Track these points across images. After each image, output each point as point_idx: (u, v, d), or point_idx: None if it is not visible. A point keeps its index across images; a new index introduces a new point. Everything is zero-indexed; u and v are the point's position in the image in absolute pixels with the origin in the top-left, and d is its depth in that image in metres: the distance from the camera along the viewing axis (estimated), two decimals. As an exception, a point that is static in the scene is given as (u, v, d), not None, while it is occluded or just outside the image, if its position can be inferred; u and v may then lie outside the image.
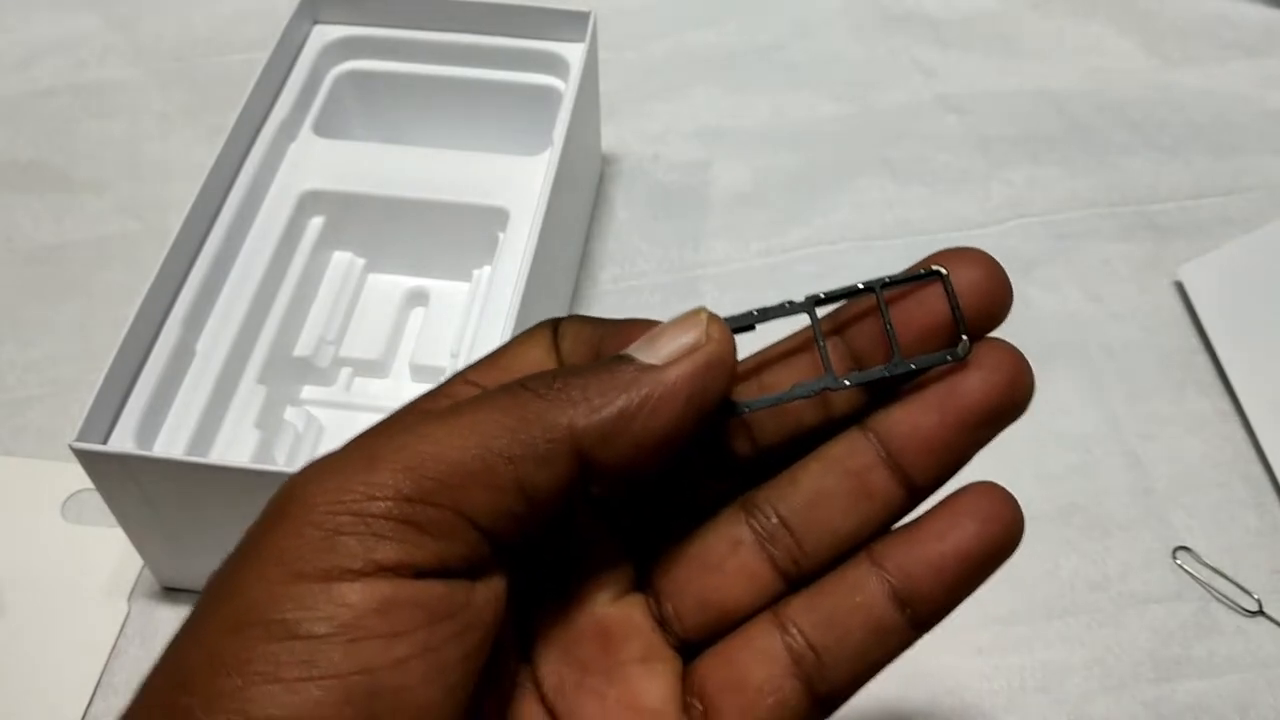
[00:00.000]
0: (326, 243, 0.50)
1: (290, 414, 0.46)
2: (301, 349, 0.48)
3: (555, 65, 0.53)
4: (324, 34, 0.54)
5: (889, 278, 0.24)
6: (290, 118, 0.51)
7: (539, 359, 0.24)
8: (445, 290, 0.52)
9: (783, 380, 0.25)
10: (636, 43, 0.67)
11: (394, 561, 0.20)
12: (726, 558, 0.25)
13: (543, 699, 0.25)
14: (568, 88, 0.50)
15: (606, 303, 0.54)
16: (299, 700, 0.19)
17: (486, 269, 0.49)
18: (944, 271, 0.24)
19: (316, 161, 0.50)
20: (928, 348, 0.24)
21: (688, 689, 0.25)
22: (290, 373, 0.47)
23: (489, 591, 0.21)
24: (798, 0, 0.69)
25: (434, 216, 0.49)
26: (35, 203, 0.59)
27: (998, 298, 0.25)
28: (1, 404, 0.51)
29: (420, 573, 0.20)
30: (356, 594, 0.19)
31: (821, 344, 0.24)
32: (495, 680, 0.24)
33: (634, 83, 0.64)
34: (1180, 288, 0.54)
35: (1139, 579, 0.45)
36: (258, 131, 0.50)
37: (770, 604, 0.25)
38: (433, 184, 0.49)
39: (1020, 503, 0.46)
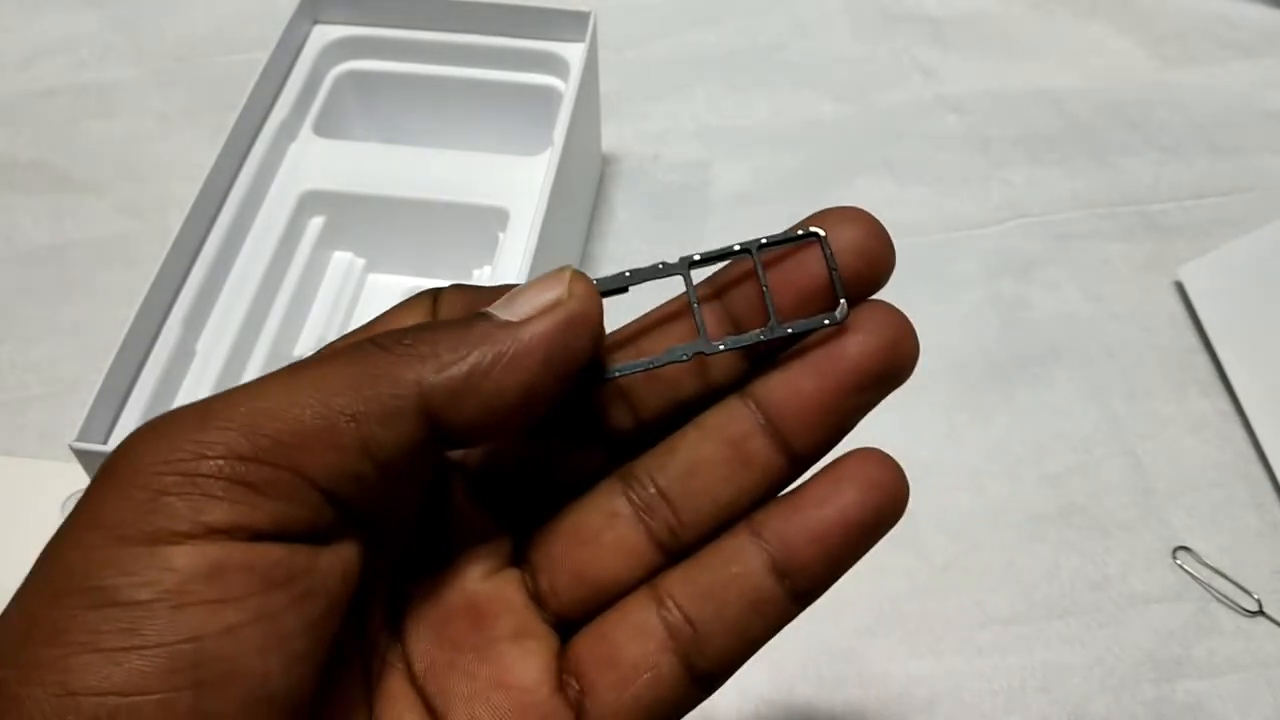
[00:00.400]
0: (326, 243, 0.50)
1: (290, 414, 0.46)
2: (301, 349, 0.48)
3: (555, 65, 0.53)
4: (324, 34, 0.54)
5: (765, 239, 0.23)
6: (290, 118, 0.51)
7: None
8: (445, 290, 0.52)
9: (659, 347, 0.24)
10: (636, 43, 0.67)
11: (225, 523, 0.19)
12: (602, 530, 0.24)
13: (413, 679, 0.23)
14: (568, 88, 0.50)
15: (606, 303, 0.54)
16: (121, 671, 0.18)
17: (486, 269, 0.49)
18: (821, 233, 0.23)
19: (316, 161, 0.50)
20: (807, 312, 0.23)
21: (564, 667, 0.24)
22: (290, 373, 0.47)
23: (336, 559, 0.20)
24: (798, 0, 0.69)
25: (434, 216, 0.49)
26: (35, 203, 0.59)
27: (878, 258, 0.23)
28: (1, 404, 0.51)
29: (256, 535, 0.19)
30: (182, 557, 0.18)
31: (696, 307, 0.23)
32: (360, 657, 0.23)
33: (634, 83, 0.64)
34: (1180, 288, 0.54)
35: (1139, 579, 0.45)
36: (258, 131, 0.50)
37: (648, 577, 0.24)
38: (433, 184, 0.49)
39: (1020, 503, 0.46)
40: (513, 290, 0.22)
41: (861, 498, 0.22)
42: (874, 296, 0.23)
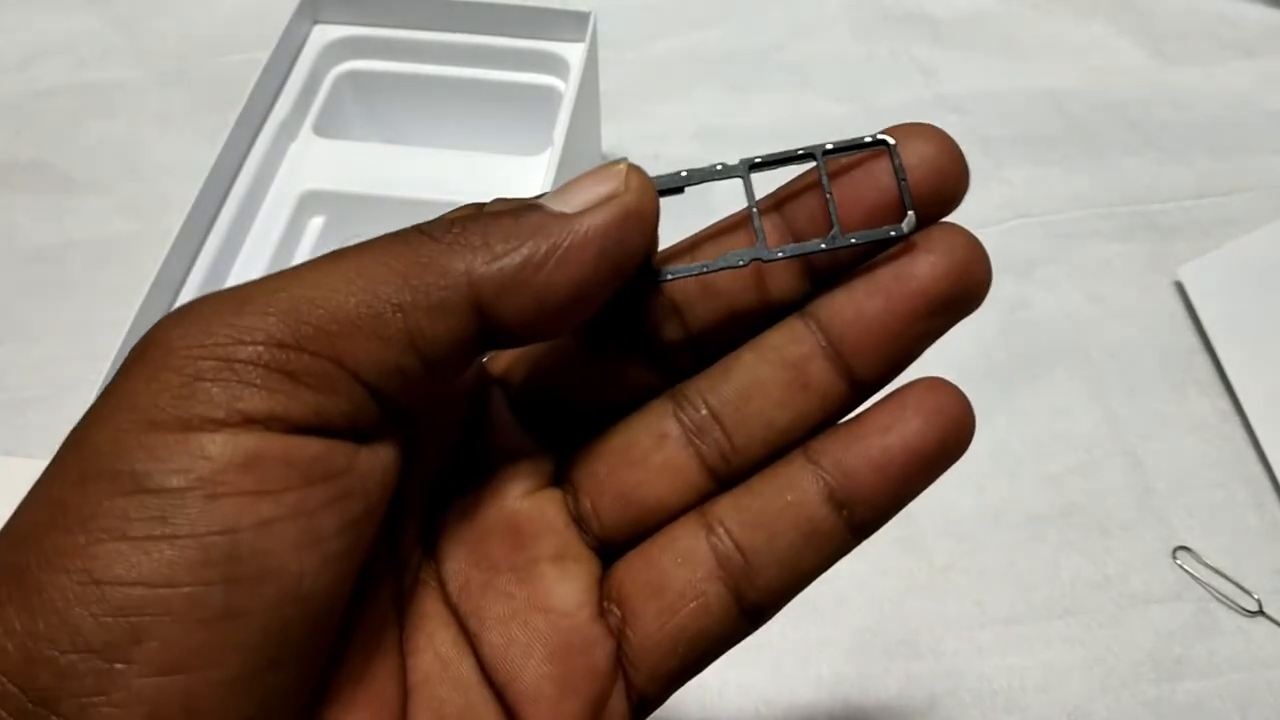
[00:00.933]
0: (326, 243, 0.50)
1: (290, 414, 0.46)
2: (301, 349, 0.48)
3: (555, 65, 0.53)
4: (324, 34, 0.54)
5: (832, 144, 0.22)
6: (290, 118, 0.51)
7: None
8: (445, 290, 0.52)
9: (716, 255, 0.23)
10: (636, 43, 0.67)
11: (263, 413, 0.18)
12: (651, 452, 0.23)
13: (446, 599, 0.22)
14: (568, 88, 0.50)
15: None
16: (150, 560, 0.17)
17: (486, 269, 0.49)
18: (891, 141, 0.21)
19: (316, 161, 0.50)
20: (876, 225, 0.22)
21: (605, 593, 0.23)
22: (290, 373, 0.47)
23: (376, 459, 0.19)
24: (798, 0, 0.69)
25: (434, 216, 0.49)
26: (35, 203, 0.59)
27: (952, 177, 0.22)
28: (2, 404, 0.51)
29: (294, 428, 0.18)
30: (218, 446, 0.17)
31: (755, 212, 0.22)
32: (392, 572, 0.22)
33: (634, 83, 0.64)
34: (1180, 288, 0.54)
35: (1139, 579, 0.45)
36: (258, 131, 0.50)
37: (698, 503, 0.23)
38: (433, 184, 0.49)
39: (1020, 503, 0.46)
40: (566, 183, 0.21)
41: (926, 426, 0.21)
42: (944, 219, 0.22)
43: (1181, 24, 0.68)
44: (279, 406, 0.18)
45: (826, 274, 0.23)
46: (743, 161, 0.23)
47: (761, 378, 0.23)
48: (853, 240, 0.21)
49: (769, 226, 0.23)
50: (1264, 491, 0.48)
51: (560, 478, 0.24)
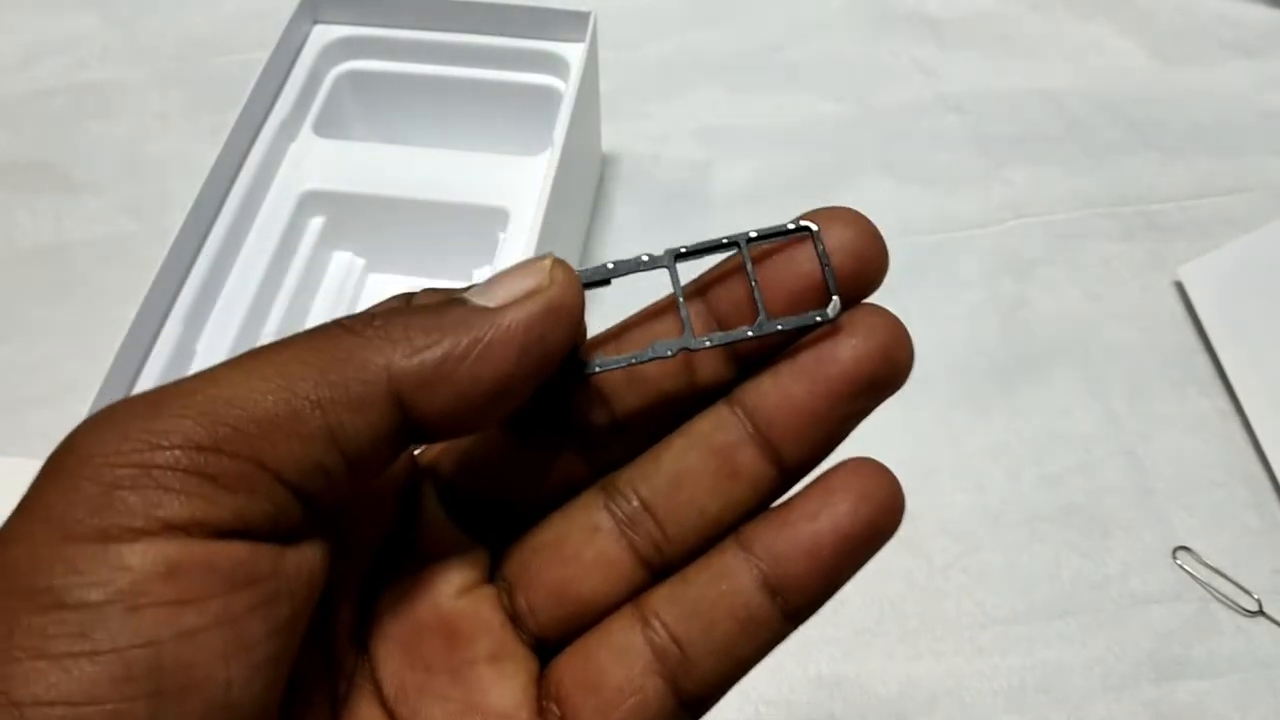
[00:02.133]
0: (326, 243, 0.50)
1: (290, 414, 0.46)
2: (301, 349, 0.48)
3: (555, 65, 0.53)
4: (324, 34, 0.54)
5: (755, 232, 0.22)
6: (290, 118, 0.51)
7: None
8: (445, 290, 0.52)
9: (642, 345, 0.23)
10: (636, 43, 0.67)
11: (182, 519, 0.17)
12: (583, 546, 0.23)
13: (382, 701, 0.22)
14: (568, 88, 0.50)
15: (606, 303, 0.54)
16: (70, 679, 0.16)
17: (486, 269, 0.49)
18: (814, 227, 0.22)
19: (316, 161, 0.50)
20: (797, 311, 0.22)
21: (543, 691, 0.22)
22: (290, 373, 0.47)
23: (302, 559, 0.19)
24: (798, 0, 0.69)
25: (434, 216, 0.49)
26: (35, 203, 0.59)
27: (872, 261, 0.22)
28: (1, 404, 0.51)
29: (216, 533, 0.18)
30: (137, 555, 0.17)
31: (681, 301, 0.22)
32: (326, 677, 0.22)
33: (634, 83, 0.64)
34: (1180, 288, 0.54)
35: (1139, 579, 0.45)
36: (258, 131, 0.50)
37: (633, 595, 0.23)
38: (433, 184, 0.49)
39: (1020, 503, 0.46)
40: (490, 277, 0.21)
41: (855, 510, 0.21)
42: (866, 300, 0.22)
43: (1181, 24, 0.68)
44: (199, 511, 0.17)
45: (752, 358, 0.23)
46: (668, 252, 0.22)
47: (691, 466, 0.23)
48: (779, 327, 0.22)
49: (694, 312, 0.23)
50: (1264, 491, 0.48)
51: (494, 573, 0.24)
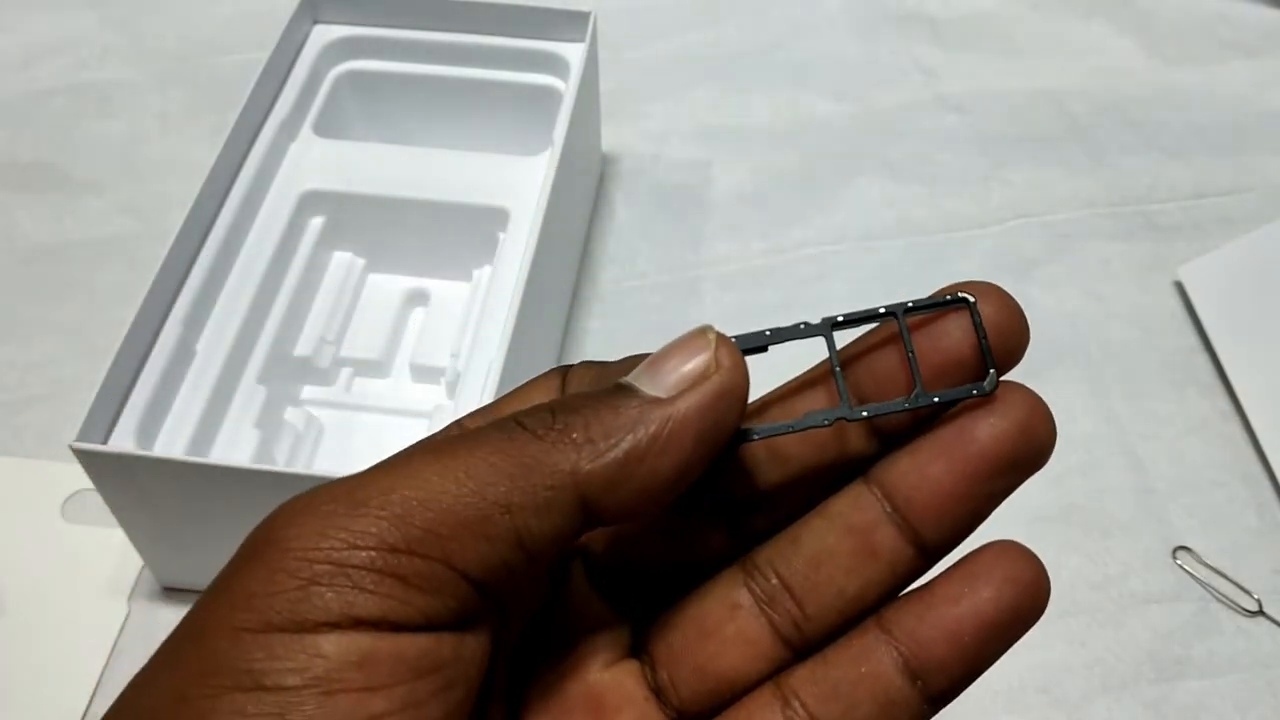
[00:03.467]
0: (326, 243, 0.50)
1: (290, 414, 0.46)
2: (301, 349, 0.48)
3: (555, 65, 0.53)
4: (324, 34, 0.54)
5: (912, 302, 0.22)
6: (290, 118, 0.51)
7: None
8: (445, 290, 0.52)
9: (796, 412, 0.23)
10: (636, 43, 0.67)
11: (375, 616, 0.19)
12: (724, 623, 0.23)
13: None
14: (568, 88, 0.50)
15: (606, 303, 0.54)
16: None
17: (486, 269, 0.49)
18: (971, 299, 0.21)
19: (316, 161, 0.50)
20: (947, 383, 0.22)
21: None
22: (290, 373, 0.47)
23: (476, 644, 0.20)
24: (798, 0, 0.69)
25: (434, 216, 0.49)
26: (35, 203, 0.59)
27: (1015, 336, 0.22)
28: (1, 404, 0.51)
29: (403, 628, 0.19)
30: (332, 645, 0.18)
31: (838, 370, 0.22)
32: None
33: (634, 83, 0.64)
34: (1180, 288, 0.54)
35: (1139, 579, 0.45)
36: (258, 131, 0.50)
37: (773, 673, 0.23)
38: (433, 184, 0.49)
39: (1020, 503, 0.46)
40: (652, 357, 0.21)
41: (998, 595, 0.21)
42: (1006, 377, 0.22)
43: (1181, 24, 0.68)
44: (390, 610, 0.19)
45: (893, 434, 0.23)
46: (825, 321, 0.22)
47: (830, 546, 0.23)
48: (935, 399, 0.21)
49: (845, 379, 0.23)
50: (1264, 491, 0.48)
51: (637, 648, 0.24)
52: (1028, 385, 0.22)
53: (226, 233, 0.46)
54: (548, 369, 0.23)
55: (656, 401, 0.20)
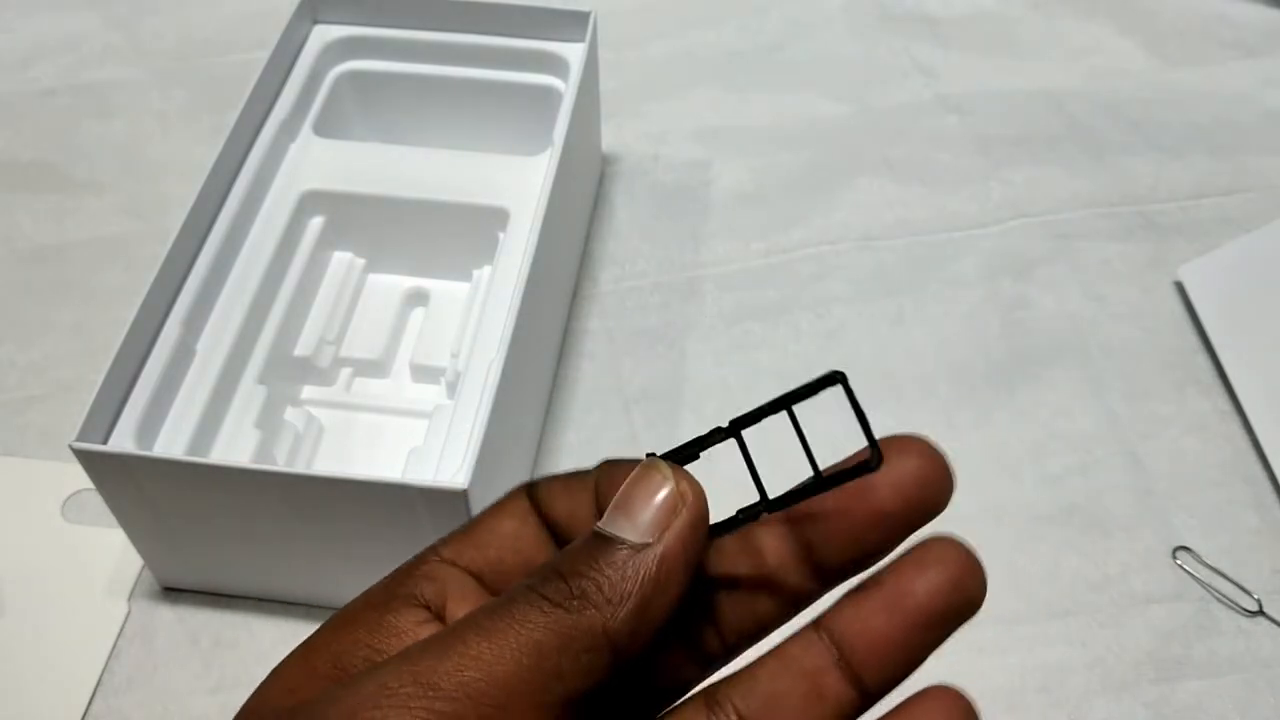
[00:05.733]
0: (326, 243, 0.50)
1: (290, 414, 0.46)
2: (301, 349, 0.48)
3: (555, 65, 0.53)
4: (324, 34, 0.54)
5: (795, 390, 0.25)
6: (290, 118, 0.51)
7: (514, 531, 0.25)
8: (445, 290, 0.52)
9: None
10: (636, 43, 0.67)
11: None
12: None
13: None
14: (568, 88, 0.50)
15: (606, 303, 0.54)
16: None
17: (486, 269, 0.49)
18: (843, 373, 0.24)
19: (316, 161, 0.50)
20: (864, 545, 0.25)
21: None
22: (290, 373, 0.47)
23: None
24: (798, 0, 0.69)
25: (434, 216, 0.49)
26: (35, 203, 0.59)
27: (938, 488, 0.24)
28: (1, 404, 0.51)
29: None
30: None
31: (754, 468, 0.25)
32: None
33: (634, 83, 0.64)
34: (1180, 288, 0.54)
35: (1139, 579, 0.45)
36: (258, 131, 0.50)
37: None
38: (433, 184, 0.49)
39: (1021, 503, 0.47)
40: (619, 499, 0.23)
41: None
42: (940, 535, 0.25)
43: (1181, 24, 0.68)
44: None
45: (834, 574, 0.25)
46: (732, 423, 0.25)
47: (784, 688, 0.25)
48: (831, 480, 0.24)
49: (777, 538, 0.25)
50: (1264, 491, 0.48)
51: None
52: (957, 538, 0.24)
53: (226, 233, 0.46)
54: (510, 489, 0.26)
55: (646, 547, 0.22)
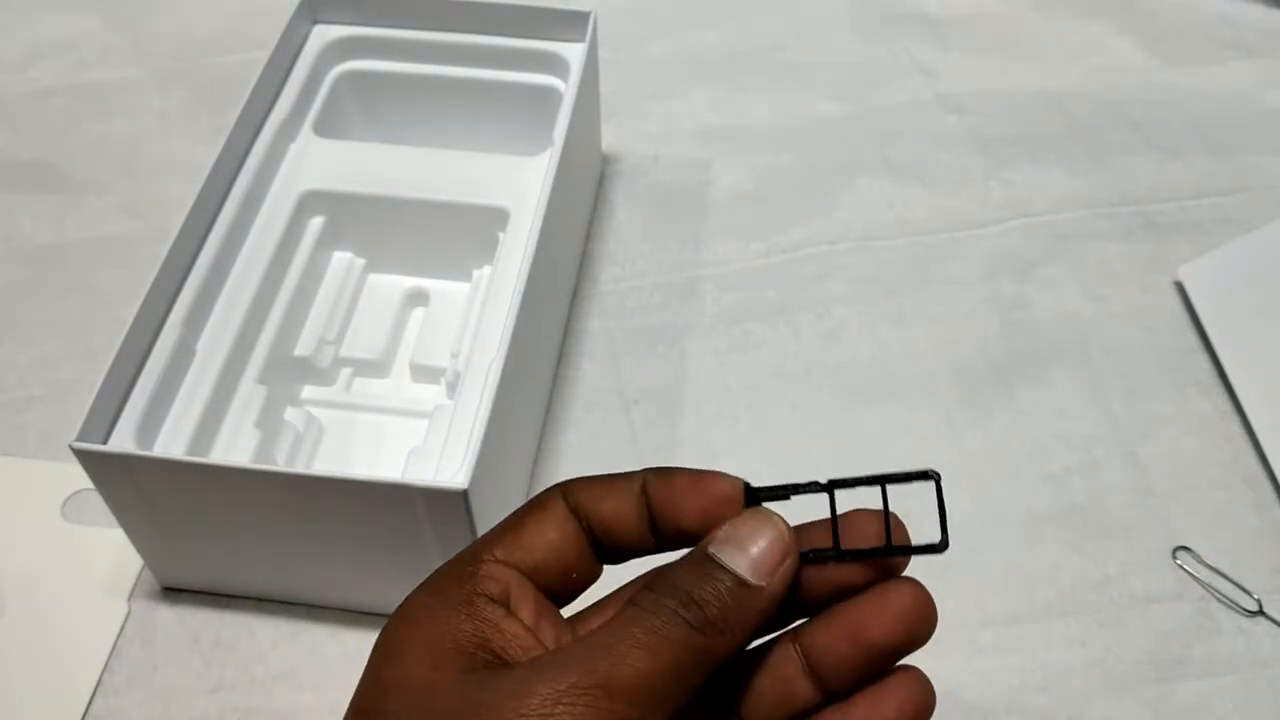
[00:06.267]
0: (326, 243, 0.50)
1: (290, 414, 0.46)
2: (301, 349, 0.48)
3: (555, 65, 0.53)
4: (324, 34, 0.54)
5: (892, 474, 0.28)
6: (290, 118, 0.51)
7: (557, 537, 0.27)
8: (445, 290, 0.52)
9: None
10: (636, 43, 0.67)
11: None
12: None
13: None
14: (568, 88, 0.50)
15: (606, 303, 0.54)
16: None
17: (486, 269, 0.49)
18: (935, 473, 0.28)
19: (316, 161, 0.50)
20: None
21: None
22: (290, 373, 0.47)
23: None
24: (798, 0, 0.69)
25: (434, 216, 0.49)
26: (35, 203, 0.59)
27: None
28: (1, 404, 0.51)
29: None
30: None
31: (835, 522, 0.28)
32: None
33: (634, 83, 0.64)
34: (1180, 288, 0.54)
35: (1139, 579, 0.45)
36: (258, 131, 0.50)
37: None
38: (433, 184, 0.49)
39: (1021, 503, 0.47)
40: (733, 532, 0.26)
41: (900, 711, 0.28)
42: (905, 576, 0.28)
43: (1181, 24, 0.68)
44: None
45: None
46: (830, 481, 0.28)
47: (762, 686, 0.29)
48: (903, 548, 0.28)
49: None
50: (1264, 491, 0.48)
51: None
52: (916, 579, 0.28)
53: (226, 233, 0.46)
54: (544, 490, 0.28)
55: (760, 589, 0.26)
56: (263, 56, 0.50)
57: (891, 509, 0.28)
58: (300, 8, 0.53)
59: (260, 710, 0.42)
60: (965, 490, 0.48)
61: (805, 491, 0.28)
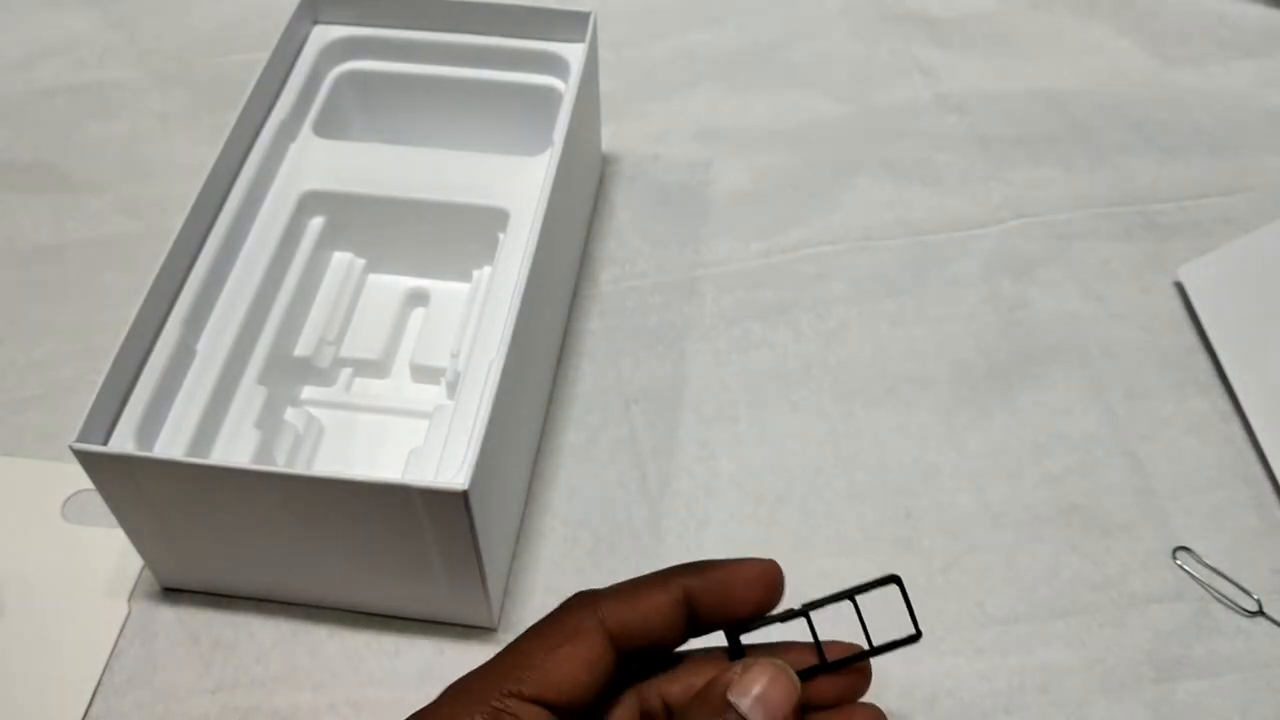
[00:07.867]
0: (326, 243, 0.50)
1: (290, 414, 0.46)
2: (301, 349, 0.48)
3: (555, 65, 0.53)
4: (324, 34, 0.54)
5: (858, 585, 0.33)
6: (290, 118, 0.51)
7: (586, 669, 0.29)
8: (445, 290, 0.52)
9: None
10: (636, 43, 0.67)
11: None
12: None
13: None
14: (568, 88, 0.50)
15: (606, 303, 0.54)
16: None
17: (486, 269, 0.49)
18: (899, 577, 0.33)
19: (316, 161, 0.50)
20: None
21: None
22: (290, 373, 0.47)
23: None
24: (798, 0, 0.69)
25: (434, 216, 0.49)
26: (35, 203, 0.59)
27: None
28: (1, 404, 0.51)
29: None
30: None
31: (818, 642, 0.33)
32: None
33: (634, 83, 0.64)
34: (1180, 288, 0.54)
35: (1139, 579, 0.45)
36: (258, 131, 0.50)
37: None
38: (433, 184, 0.49)
39: (1020, 503, 0.48)
40: (749, 688, 0.29)
41: None
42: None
43: (1181, 24, 0.68)
44: None
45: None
46: (804, 605, 0.33)
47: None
48: (886, 646, 0.33)
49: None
50: (1264, 491, 0.48)
51: None
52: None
53: (226, 233, 0.46)
54: (575, 606, 0.31)
55: None
56: (263, 57, 0.50)
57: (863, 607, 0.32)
58: (300, 8, 0.53)
59: (260, 710, 0.42)
60: (965, 490, 0.48)
61: (787, 619, 0.32)
